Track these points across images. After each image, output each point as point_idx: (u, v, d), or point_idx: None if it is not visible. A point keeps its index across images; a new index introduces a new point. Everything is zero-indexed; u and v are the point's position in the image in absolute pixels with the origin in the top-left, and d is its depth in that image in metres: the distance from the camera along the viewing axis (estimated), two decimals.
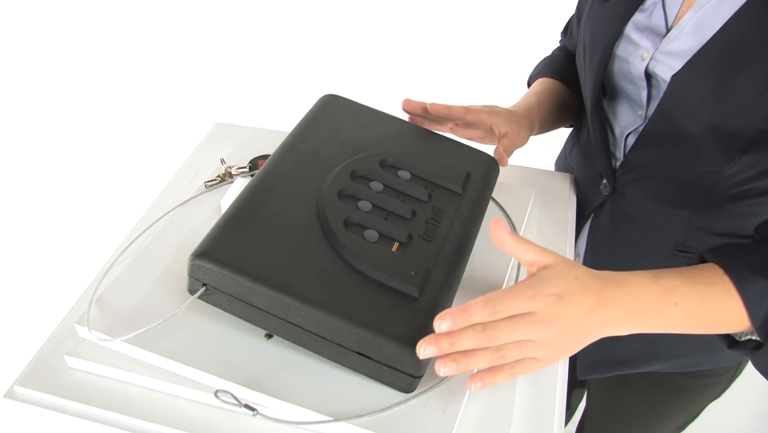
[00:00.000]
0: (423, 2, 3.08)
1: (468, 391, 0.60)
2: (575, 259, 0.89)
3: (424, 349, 0.55)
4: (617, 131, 0.85)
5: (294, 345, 0.61)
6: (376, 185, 0.70)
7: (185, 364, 0.60)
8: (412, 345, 0.55)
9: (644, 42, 0.77)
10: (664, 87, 0.73)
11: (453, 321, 0.55)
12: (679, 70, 0.70)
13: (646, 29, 0.77)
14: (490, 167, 0.79)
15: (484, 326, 0.56)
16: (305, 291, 0.58)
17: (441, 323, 0.55)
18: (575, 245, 0.88)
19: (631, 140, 0.82)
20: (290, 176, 0.68)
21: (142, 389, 0.61)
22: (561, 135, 1.06)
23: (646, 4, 0.77)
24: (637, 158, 0.80)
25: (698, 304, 0.61)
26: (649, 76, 0.76)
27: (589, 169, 0.90)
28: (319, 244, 0.62)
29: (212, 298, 0.60)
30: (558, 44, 1.06)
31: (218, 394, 0.58)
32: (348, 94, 0.81)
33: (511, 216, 0.80)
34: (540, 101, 0.94)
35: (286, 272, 0.59)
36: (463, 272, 0.67)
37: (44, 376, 0.62)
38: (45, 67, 2.86)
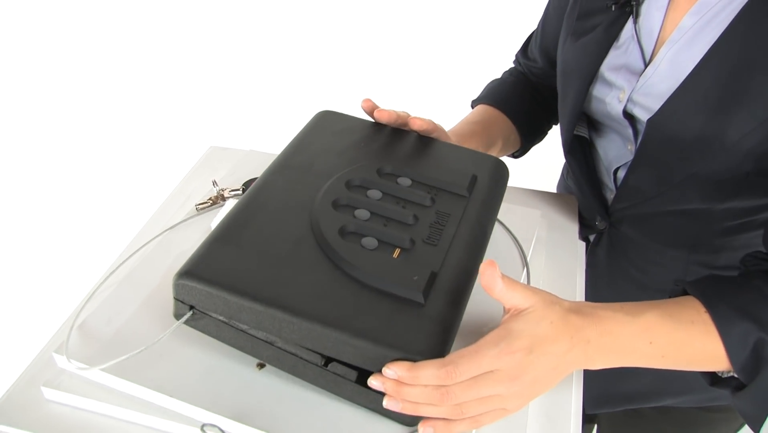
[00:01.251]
0: (406, 26, 3.09)
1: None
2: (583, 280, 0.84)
3: (371, 380, 0.51)
4: (606, 164, 0.81)
5: (288, 376, 0.57)
6: (374, 193, 0.65)
7: (170, 395, 0.55)
8: (419, 354, 0.50)
9: (620, 81, 0.73)
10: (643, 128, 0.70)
11: (398, 373, 0.50)
12: (655, 113, 0.67)
13: (621, 68, 0.73)
14: (497, 168, 0.73)
15: (437, 387, 0.50)
16: (297, 304, 0.53)
17: (386, 369, 0.50)
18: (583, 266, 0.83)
19: (621, 174, 0.79)
20: (282, 190, 0.64)
21: (124, 423, 0.57)
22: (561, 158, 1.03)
23: (621, 40, 0.73)
24: (629, 194, 0.76)
25: (676, 344, 0.58)
26: (629, 116, 0.73)
27: (585, 202, 0.86)
28: (312, 255, 0.57)
29: (200, 323, 0.56)
30: (513, 64, 1.00)
31: (205, 428, 0.54)
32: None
33: (518, 239, 0.76)
34: (480, 131, 0.88)
35: (276, 285, 0.54)
36: (477, 275, 0.62)
37: (19, 409, 0.58)
38: (38, 88, 2.83)
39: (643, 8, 0.71)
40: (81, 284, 0.82)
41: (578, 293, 0.74)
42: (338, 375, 0.54)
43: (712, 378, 0.63)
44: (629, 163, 0.74)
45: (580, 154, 0.82)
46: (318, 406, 0.56)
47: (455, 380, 0.50)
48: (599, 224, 0.83)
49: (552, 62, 0.87)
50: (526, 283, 0.60)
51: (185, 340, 0.60)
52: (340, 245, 0.58)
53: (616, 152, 0.78)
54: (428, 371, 0.50)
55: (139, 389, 0.56)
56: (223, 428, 0.54)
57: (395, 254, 0.59)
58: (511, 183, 0.79)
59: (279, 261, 0.56)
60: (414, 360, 0.50)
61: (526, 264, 0.73)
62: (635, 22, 0.71)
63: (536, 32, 0.93)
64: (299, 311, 0.52)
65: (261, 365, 0.59)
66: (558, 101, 0.83)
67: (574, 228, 0.84)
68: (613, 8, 0.72)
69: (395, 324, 0.53)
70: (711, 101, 0.63)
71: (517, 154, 0.98)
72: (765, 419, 0.60)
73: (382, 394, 0.52)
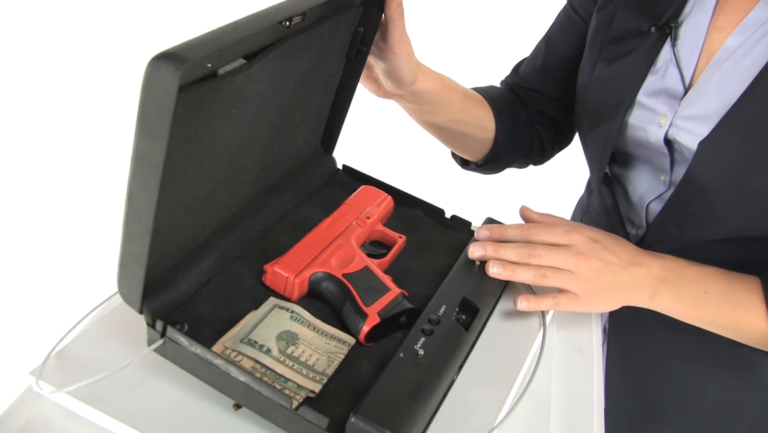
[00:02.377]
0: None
1: None
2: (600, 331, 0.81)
3: (472, 250, 0.65)
4: (634, 198, 0.78)
5: (266, 421, 0.53)
6: None
7: (137, 429, 0.52)
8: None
9: (660, 107, 0.70)
10: (688, 153, 0.67)
11: (490, 230, 0.66)
12: (707, 136, 0.64)
13: (660, 93, 0.70)
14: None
15: (525, 244, 0.64)
16: None
17: (480, 230, 0.66)
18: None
19: (655, 207, 0.75)
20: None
21: None
22: (574, 192, 0.98)
23: (658, 64, 0.70)
24: (665, 228, 0.72)
25: (729, 303, 0.63)
26: (669, 142, 0.70)
27: None
28: None
29: (171, 353, 0.53)
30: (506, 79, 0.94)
31: None
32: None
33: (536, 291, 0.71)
34: (450, 82, 0.81)
35: None
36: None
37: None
38: (38, 89, 2.68)
39: (682, 30, 0.69)
40: (68, 308, 0.79)
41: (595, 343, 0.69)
42: (310, 422, 0.49)
43: None
44: (668, 193, 0.73)
45: (606, 192, 0.81)
46: None
47: (535, 237, 0.64)
48: None
49: (556, 87, 0.86)
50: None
51: (163, 372, 0.57)
52: None
53: (648, 185, 0.75)
54: (512, 228, 0.66)
55: (106, 419, 0.53)
56: None
57: None
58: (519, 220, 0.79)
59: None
60: None
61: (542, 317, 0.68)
62: (674, 45, 0.69)
63: (535, 57, 0.89)
64: None
65: (237, 406, 0.55)
66: (581, 133, 0.81)
67: None
68: (652, 30, 0.69)
69: None
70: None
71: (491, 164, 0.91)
72: None
73: None
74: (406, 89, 0.75)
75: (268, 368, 0.55)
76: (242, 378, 0.52)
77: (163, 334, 0.54)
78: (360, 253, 0.66)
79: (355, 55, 0.70)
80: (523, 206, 0.71)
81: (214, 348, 0.55)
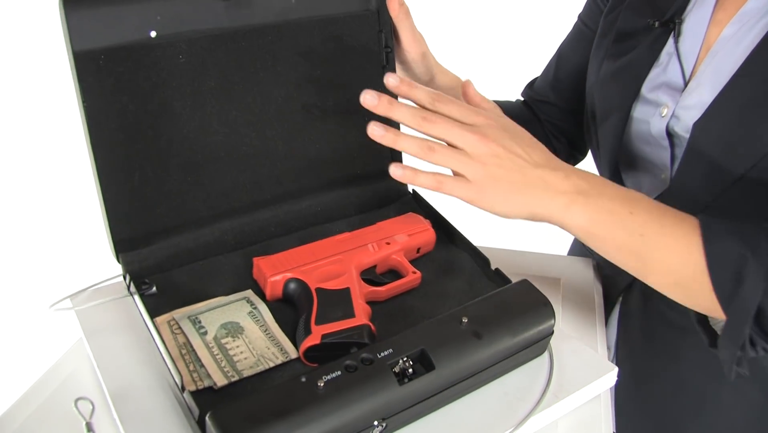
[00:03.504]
0: None
1: None
2: (607, 353, 0.76)
3: (366, 96, 0.57)
4: None
5: None
6: None
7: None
8: None
9: (662, 98, 0.72)
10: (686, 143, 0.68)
11: (399, 81, 0.58)
12: (701, 117, 0.65)
13: (662, 85, 0.72)
14: None
15: (422, 109, 0.56)
16: None
17: (389, 77, 0.58)
18: (605, 336, 0.74)
19: None
20: None
21: None
22: None
23: (661, 58, 0.73)
24: None
25: (656, 229, 0.55)
26: (670, 135, 0.71)
27: None
28: None
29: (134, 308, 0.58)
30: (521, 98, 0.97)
31: None
32: None
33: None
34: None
35: None
36: None
37: None
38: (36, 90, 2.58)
39: (685, 26, 0.72)
40: None
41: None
42: (188, 407, 0.51)
43: (711, 340, 0.60)
44: (668, 187, 0.72)
45: (620, 180, 0.79)
46: None
47: (440, 107, 0.57)
48: None
49: (569, 99, 0.88)
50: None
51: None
52: None
53: (650, 185, 0.76)
54: (422, 89, 0.58)
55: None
56: None
57: None
58: (521, 248, 0.82)
59: None
60: None
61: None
62: (676, 40, 0.72)
63: (547, 70, 0.92)
64: None
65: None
66: (591, 133, 0.81)
67: (592, 292, 0.79)
68: (656, 25, 0.72)
69: None
70: (759, 99, 0.62)
71: None
72: (736, 354, 0.56)
73: None
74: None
75: (192, 349, 0.57)
76: (160, 347, 0.55)
77: (129, 290, 0.59)
78: (352, 274, 0.63)
79: (386, 58, 0.71)
80: (467, 80, 0.63)
81: (163, 316, 0.59)
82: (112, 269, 0.70)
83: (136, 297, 0.59)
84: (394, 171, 0.58)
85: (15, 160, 2.46)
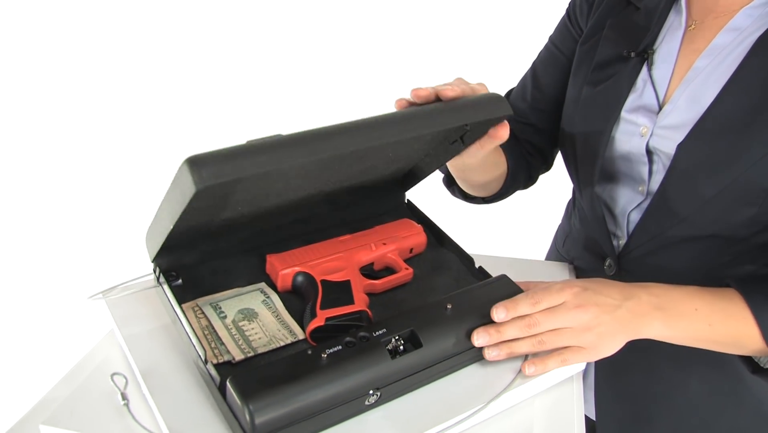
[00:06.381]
0: (404, 29, 2.63)
1: None
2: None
3: (477, 338, 0.65)
4: (617, 211, 0.85)
5: None
6: None
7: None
8: None
9: (641, 120, 0.80)
10: (665, 160, 0.77)
11: (506, 310, 0.66)
12: (684, 139, 0.74)
13: (639, 108, 0.80)
14: None
15: (524, 317, 0.65)
16: None
17: (496, 312, 0.66)
18: None
19: (635, 216, 0.83)
20: None
21: None
22: (548, 229, 1.03)
23: (637, 85, 0.81)
24: (644, 233, 0.81)
25: (719, 314, 0.67)
26: (649, 152, 0.79)
27: (590, 255, 0.91)
28: None
29: (162, 297, 0.68)
30: None
31: None
32: None
33: None
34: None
35: None
36: None
37: None
38: (36, 90, 2.67)
39: (656, 56, 0.81)
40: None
41: None
42: (211, 376, 0.60)
43: (754, 366, 0.73)
44: (645, 202, 0.81)
45: (589, 208, 0.87)
46: None
47: (539, 307, 0.66)
48: (608, 269, 0.86)
49: (546, 120, 0.96)
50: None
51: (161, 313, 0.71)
52: None
53: (627, 197, 0.84)
54: (522, 302, 0.66)
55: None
56: None
57: None
58: (498, 253, 0.88)
59: None
60: None
61: None
62: (650, 68, 0.81)
63: (523, 91, 0.98)
64: None
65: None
66: (568, 152, 0.89)
67: None
68: (632, 55, 0.81)
69: None
70: (736, 122, 0.71)
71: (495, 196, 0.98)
72: None
73: None
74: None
75: (214, 330, 0.66)
76: (186, 328, 0.64)
77: (158, 281, 0.68)
78: (353, 269, 0.72)
79: (453, 142, 0.75)
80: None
81: (189, 303, 0.68)
82: (137, 267, 0.80)
83: (165, 286, 0.68)
84: (529, 370, 0.66)
85: (54, 169, 2.56)
